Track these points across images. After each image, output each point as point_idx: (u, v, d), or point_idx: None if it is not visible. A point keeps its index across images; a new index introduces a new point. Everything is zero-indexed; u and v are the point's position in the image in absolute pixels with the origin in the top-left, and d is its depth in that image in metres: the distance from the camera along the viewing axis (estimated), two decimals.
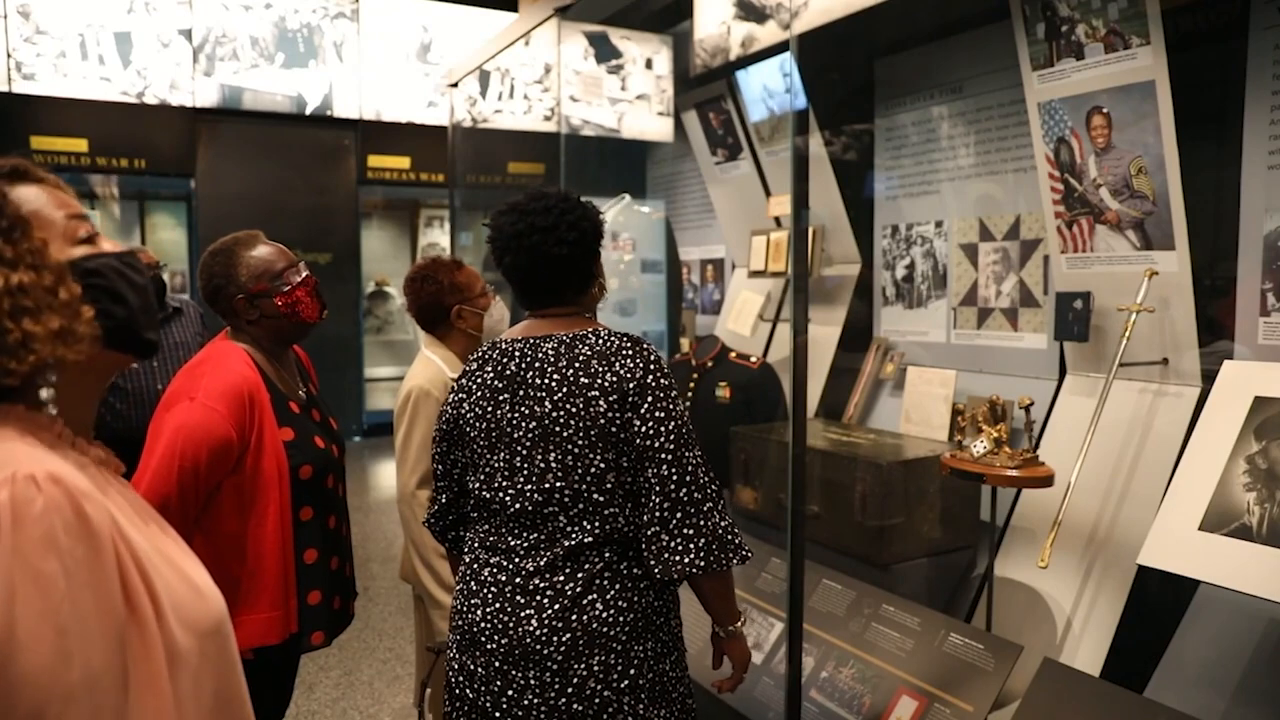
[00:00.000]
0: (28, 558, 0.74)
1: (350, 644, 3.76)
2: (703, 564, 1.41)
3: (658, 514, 1.41)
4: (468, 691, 1.47)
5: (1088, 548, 2.46)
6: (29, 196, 0.90)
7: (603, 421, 1.42)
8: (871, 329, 3.74)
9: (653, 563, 1.42)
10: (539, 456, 1.45)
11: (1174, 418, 2.39)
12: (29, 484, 0.76)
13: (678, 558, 1.40)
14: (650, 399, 1.42)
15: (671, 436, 1.41)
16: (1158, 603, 2.32)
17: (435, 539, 1.71)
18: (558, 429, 1.44)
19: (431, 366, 2.27)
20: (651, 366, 1.45)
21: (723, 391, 3.59)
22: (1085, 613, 2.40)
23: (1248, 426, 2.03)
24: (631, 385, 1.42)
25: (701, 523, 1.41)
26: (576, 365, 1.46)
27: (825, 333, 3.80)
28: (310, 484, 1.80)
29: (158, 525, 0.96)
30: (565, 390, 1.45)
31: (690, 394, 3.70)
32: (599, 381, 1.43)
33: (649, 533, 1.42)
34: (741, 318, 4.21)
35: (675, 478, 1.41)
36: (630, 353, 1.46)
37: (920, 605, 2.45)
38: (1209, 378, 2.25)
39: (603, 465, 1.43)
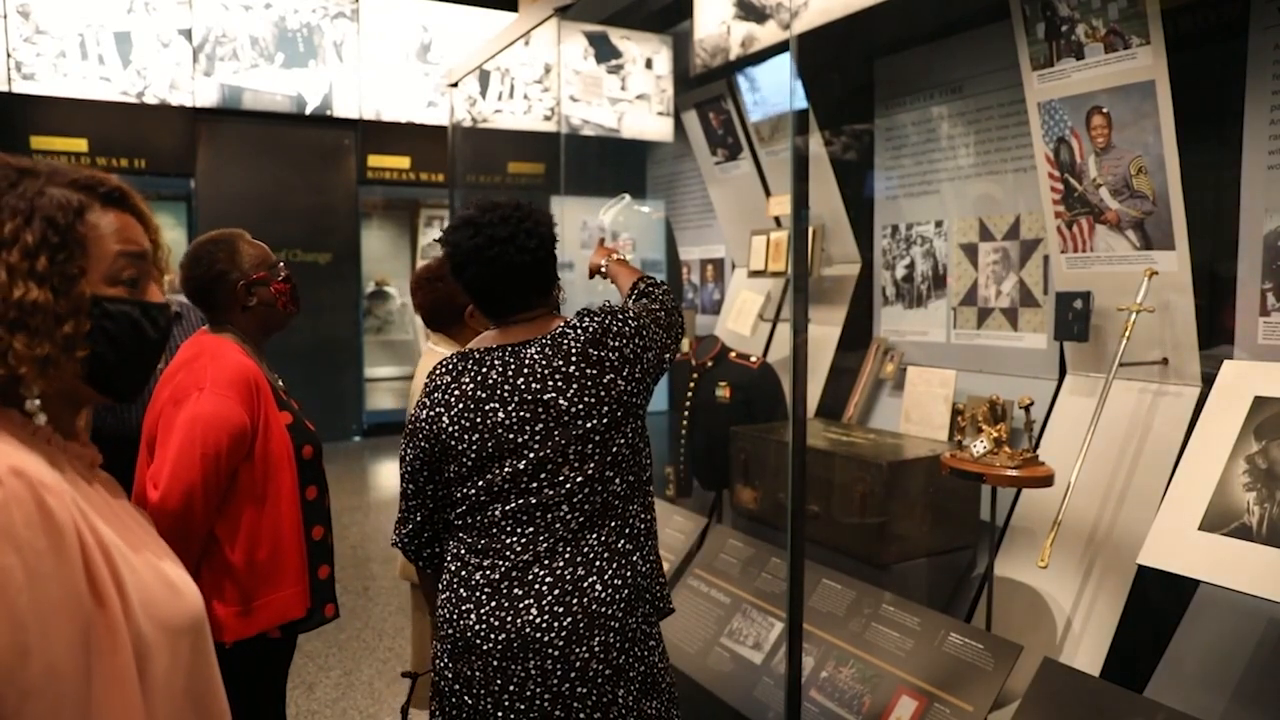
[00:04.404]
0: None
1: (350, 644, 3.76)
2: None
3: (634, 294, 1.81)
4: (465, 698, 1.46)
5: (1088, 548, 2.46)
6: (102, 224, 0.91)
7: (625, 397, 1.50)
8: (871, 329, 3.74)
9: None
10: (548, 453, 1.47)
11: (1174, 418, 2.39)
12: None
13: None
14: (616, 325, 1.55)
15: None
16: (1158, 603, 2.32)
17: (409, 559, 1.65)
18: (579, 422, 1.47)
19: None
20: (619, 314, 1.56)
21: (723, 391, 3.59)
22: (1085, 613, 2.40)
23: (1248, 426, 2.03)
24: (623, 343, 1.53)
25: (653, 291, 1.81)
26: (573, 358, 1.48)
27: (825, 333, 3.80)
28: (312, 464, 1.91)
29: (138, 524, 0.95)
30: (575, 386, 1.47)
31: (690, 394, 3.70)
32: (607, 364, 1.49)
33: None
34: (741, 317, 4.21)
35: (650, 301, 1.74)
36: (609, 320, 1.54)
37: (920, 605, 2.45)
38: (1209, 378, 2.25)
39: (622, 441, 1.50)
